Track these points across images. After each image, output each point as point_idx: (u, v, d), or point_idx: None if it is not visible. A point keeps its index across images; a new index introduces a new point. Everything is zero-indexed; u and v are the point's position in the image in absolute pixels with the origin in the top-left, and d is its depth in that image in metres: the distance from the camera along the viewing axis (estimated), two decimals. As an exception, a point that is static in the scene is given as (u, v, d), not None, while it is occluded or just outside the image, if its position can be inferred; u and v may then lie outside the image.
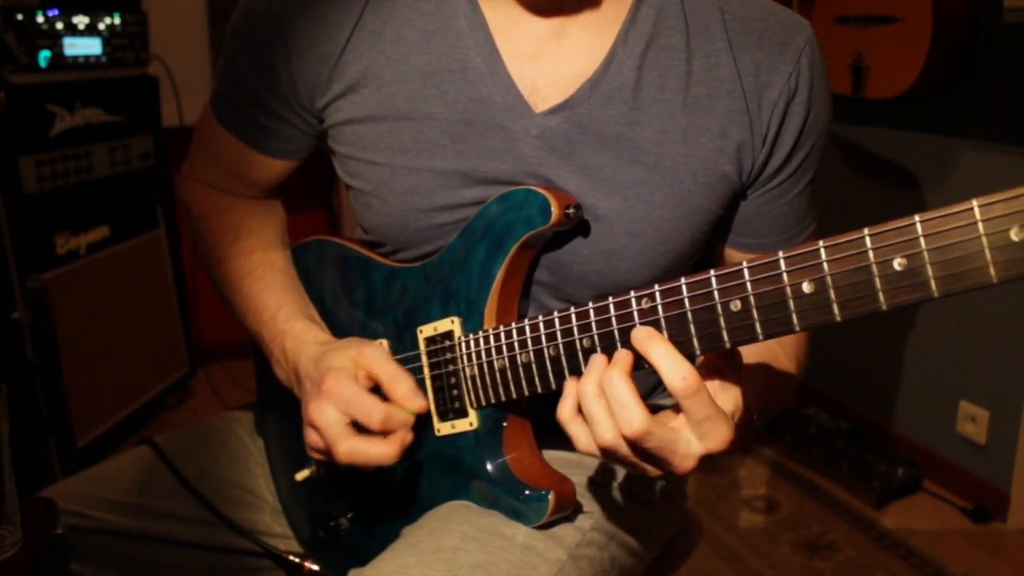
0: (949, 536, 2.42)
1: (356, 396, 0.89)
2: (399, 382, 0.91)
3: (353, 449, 0.89)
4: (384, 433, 0.90)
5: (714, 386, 0.77)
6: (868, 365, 2.89)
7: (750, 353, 0.99)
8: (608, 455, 0.77)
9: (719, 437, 0.75)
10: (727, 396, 0.78)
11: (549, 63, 0.94)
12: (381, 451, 0.89)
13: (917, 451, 2.72)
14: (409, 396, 0.90)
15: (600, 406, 0.75)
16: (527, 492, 0.92)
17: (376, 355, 0.93)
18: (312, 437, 0.93)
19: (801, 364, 1.06)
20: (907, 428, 2.78)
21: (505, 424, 0.95)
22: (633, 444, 0.75)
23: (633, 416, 0.73)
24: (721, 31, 0.93)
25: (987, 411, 2.49)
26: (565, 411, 0.79)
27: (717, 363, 0.78)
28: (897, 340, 2.77)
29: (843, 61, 2.54)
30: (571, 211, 0.90)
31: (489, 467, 0.94)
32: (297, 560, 1.14)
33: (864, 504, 2.57)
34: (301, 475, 1.03)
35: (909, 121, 2.63)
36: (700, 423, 0.74)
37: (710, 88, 0.93)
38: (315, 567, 1.13)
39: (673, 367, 0.73)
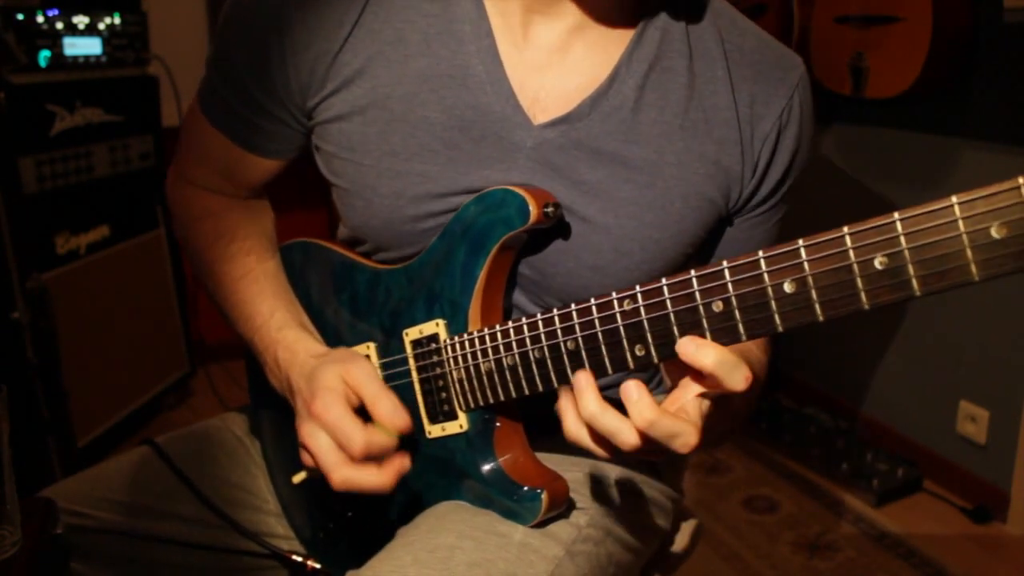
0: (949, 536, 2.42)
1: (340, 421, 0.88)
2: (381, 401, 0.89)
3: (348, 479, 0.88)
4: (377, 459, 0.89)
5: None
6: (868, 365, 2.89)
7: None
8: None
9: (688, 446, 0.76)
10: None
11: (553, 75, 0.94)
12: (375, 481, 0.88)
13: (917, 451, 2.71)
14: (390, 415, 0.89)
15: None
16: (520, 491, 0.92)
17: (361, 374, 0.91)
18: (307, 459, 0.92)
19: (769, 358, 1.07)
20: (907, 428, 2.77)
21: (496, 425, 0.95)
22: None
23: (629, 439, 0.74)
24: (722, 60, 0.95)
25: (987, 411, 2.49)
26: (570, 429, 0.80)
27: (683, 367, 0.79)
28: (897, 340, 2.76)
29: (843, 61, 2.54)
30: (550, 210, 0.90)
31: (481, 468, 0.94)
32: (300, 559, 1.14)
33: (864, 504, 2.57)
34: (298, 478, 1.03)
35: (909, 121, 2.62)
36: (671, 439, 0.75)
37: (707, 114, 0.94)
38: (318, 566, 1.13)
39: (734, 373, 0.72)
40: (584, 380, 0.76)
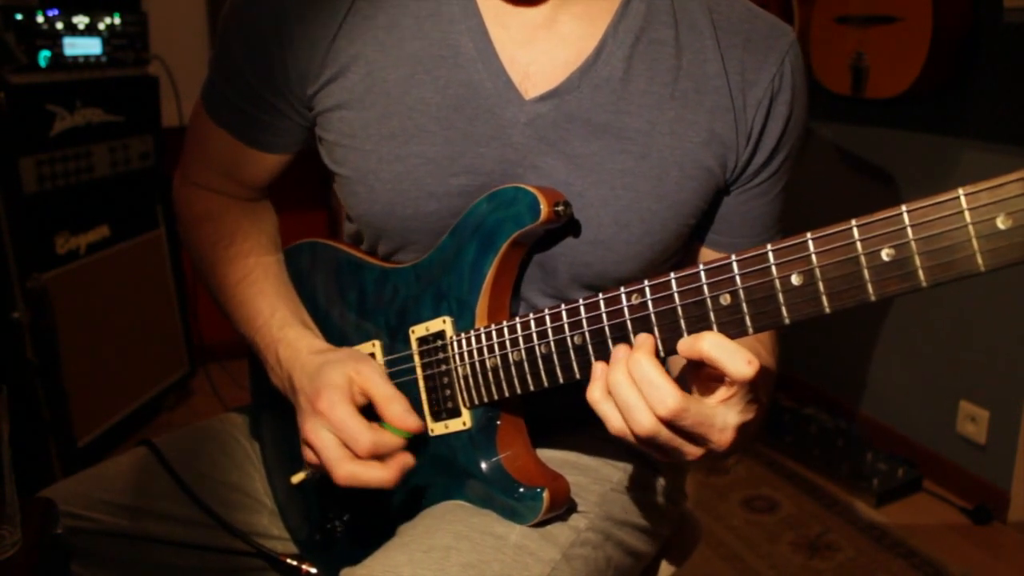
0: (949, 536, 2.42)
1: (346, 420, 0.90)
2: (393, 403, 0.91)
3: (352, 474, 0.90)
4: (380, 457, 0.90)
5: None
6: (868, 365, 2.89)
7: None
8: (646, 441, 0.76)
9: (753, 408, 0.75)
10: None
11: (541, 50, 0.95)
12: (379, 476, 0.90)
13: (917, 451, 2.71)
14: (403, 417, 0.91)
15: (632, 392, 0.74)
16: (521, 490, 0.92)
17: (373, 374, 0.93)
18: (309, 455, 0.94)
19: (777, 358, 1.06)
20: (907, 428, 2.77)
21: (499, 423, 0.95)
22: (670, 424, 0.74)
23: (665, 395, 0.72)
24: (709, 29, 0.95)
25: (987, 411, 2.49)
26: (596, 392, 0.78)
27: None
28: (897, 340, 2.76)
29: (843, 61, 2.54)
30: (560, 208, 0.90)
31: (483, 466, 0.94)
32: (294, 563, 1.13)
33: (864, 504, 2.57)
34: (297, 478, 1.03)
35: (909, 121, 2.63)
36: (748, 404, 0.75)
37: (697, 83, 0.94)
38: (312, 570, 1.12)
39: (735, 356, 0.71)
40: (644, 338, 0.77)
